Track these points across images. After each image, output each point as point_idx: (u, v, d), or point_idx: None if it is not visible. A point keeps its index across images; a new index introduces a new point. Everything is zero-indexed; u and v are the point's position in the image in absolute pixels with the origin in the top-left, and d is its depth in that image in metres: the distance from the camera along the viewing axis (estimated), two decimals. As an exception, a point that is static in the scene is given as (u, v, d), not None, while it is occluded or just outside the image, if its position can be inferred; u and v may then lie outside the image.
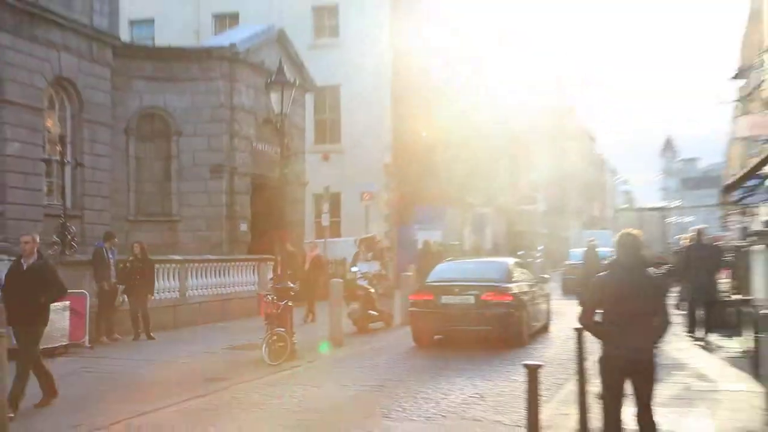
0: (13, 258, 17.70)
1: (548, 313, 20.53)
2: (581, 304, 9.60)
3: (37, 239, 10.74)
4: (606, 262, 11.71)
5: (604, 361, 7.61)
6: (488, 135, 46.33)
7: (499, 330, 16.68)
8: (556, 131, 73.26)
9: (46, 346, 14.42)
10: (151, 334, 18.48)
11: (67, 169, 21.91)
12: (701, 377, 12.92)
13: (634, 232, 7.93)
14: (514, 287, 17.47)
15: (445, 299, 17.15)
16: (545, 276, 25.82)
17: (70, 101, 22.80)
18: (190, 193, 26.72)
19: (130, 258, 18.62)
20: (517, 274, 18.76)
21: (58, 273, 10.97)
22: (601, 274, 8.03)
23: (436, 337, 17.67)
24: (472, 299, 16.92)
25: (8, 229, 19.75)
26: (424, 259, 29.39)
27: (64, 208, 21.33)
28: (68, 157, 22.02)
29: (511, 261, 20.75)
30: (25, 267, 10.22)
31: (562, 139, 77.37)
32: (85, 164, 22.67)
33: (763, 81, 35.72)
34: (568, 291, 31.34)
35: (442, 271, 19.42)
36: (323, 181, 33.59)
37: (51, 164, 21.92)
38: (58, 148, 21.72)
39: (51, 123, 22.05)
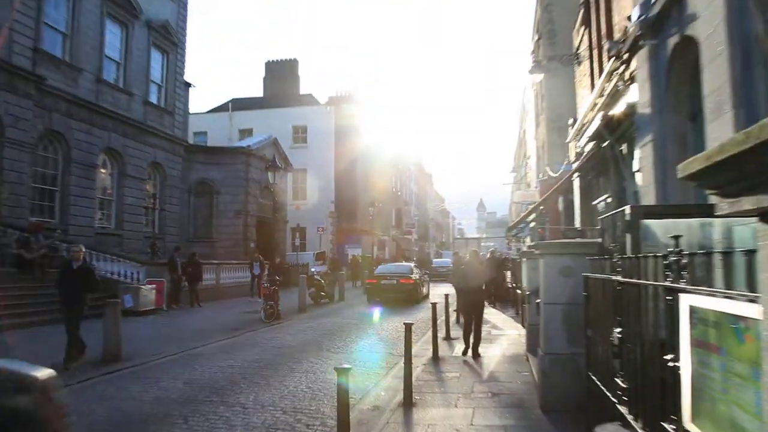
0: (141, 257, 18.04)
1: (428, 287, 23.92)
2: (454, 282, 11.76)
3: (83, 249, 9.45)
4: (461, 260, 14.05)
5: (462, 303, 10.13)
6: (386, 198, 47.55)
7: (406, 296, 19.86)
8: (422, 194, 74.87)
9: (142, 308, 15.11)
10: (200, 304, 18.29)
11: (156, 212, 22.89)
12: (495, 327, 13.19)
13: (475, 249, 11.01)
14: (413, 276, 20.81)
15: (383, 281, 20.30)
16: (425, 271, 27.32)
17: (159, 175, 23.00)
18: (222, 226, 26.68)
19: (188, 260, 18.51)
20: (414, 269, 22.17)
21: (95, 273, 9.58)
22: (461, 267, 10.90)
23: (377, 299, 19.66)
24: (395, 281, 20.16)
25: (124, 244, 19.95)
26: (353, 264, 31.11)
27: (154, 233, 22.22)
28: (157, 206, 23.04)
29: (411, 264, 24.68)
30: (74, 267, 8.90)
31: (426, 200, 79.02)
32: (165, 209, 23.27)
33: (525, 174, 38.42)
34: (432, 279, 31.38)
35: (381, 268, 22.69)
36: (296, 220, 34.83)
37: (148, 210, 22.13)
38: (152, 200, 22.71)
39: (149, 187, 22.33)
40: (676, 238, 2.22)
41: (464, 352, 9.50)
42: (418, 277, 21.37)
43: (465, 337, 9.61)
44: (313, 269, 25.77)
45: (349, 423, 4.08)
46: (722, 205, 1.04)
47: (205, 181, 27.15)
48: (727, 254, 1.96)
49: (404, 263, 26.53)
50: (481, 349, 9.52)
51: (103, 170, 20.04)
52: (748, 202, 0.92)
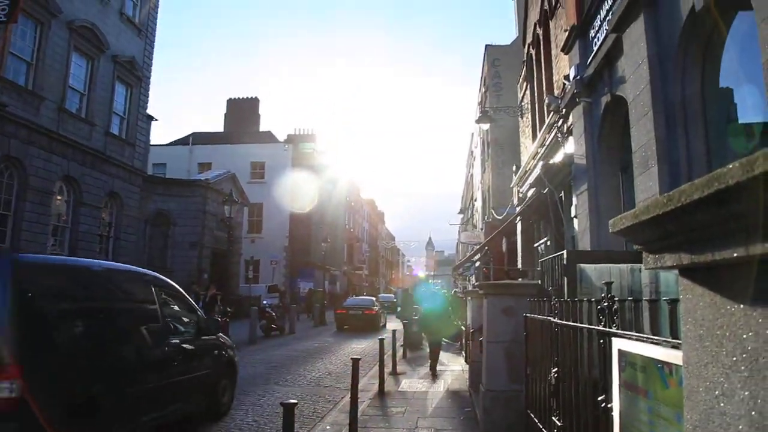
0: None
1: (385, 318, 26.52)
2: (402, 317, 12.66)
3: None
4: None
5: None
6: (339, 234, 47.48)
7: (369, 324, 22.83)
8: (374, 231, 75.18)
9: None
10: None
11: (111, 241, 22.08)
12: (440, 363, 12.59)
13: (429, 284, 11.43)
14: (375, 308, 24.16)
15: (351, 311, 23.36)
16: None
17: (116, 204, 22.03)
18: (177, 257, 26.04)
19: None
20: (375, 303, 25.80)
21: None
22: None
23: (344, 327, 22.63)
24: (361, 312, 23.34)
25: None
26: (310, 297, 30.65)
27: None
28: (112, 234, 22.25)
29: (373, 299, 28.01)
30: None
31: (377, 237, 79.32)
32: (120, 238, 22.56)
33: (471, 216, 39.09)
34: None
35: (349, 301, 26.10)
36: (250, 253, 34.16)
37: (103, 238, 21.47)
38: (107, 229, 21.91)
39: (105, 215, 21.68)
40: (608, 284, 2.28)
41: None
42: (378, 308, 24.71)
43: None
44: (264, 301, 25.30)
45: (294, 459, 3.92)
46: (648, 259, 1.07)
47: (162, 212, 26.47)
48: (653, 302, 2.02)
49: (367, 297, 29.02)
50: (425, 386, 9.62)
51: (59, 197, 19.26)
52: (670, 259, 0.95)
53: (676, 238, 0.88)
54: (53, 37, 18.12)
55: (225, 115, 43.92)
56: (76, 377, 4.50)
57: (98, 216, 21.01)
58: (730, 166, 0.64)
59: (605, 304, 2.25)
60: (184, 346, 6.34)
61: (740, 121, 5.73)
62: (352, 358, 6.71)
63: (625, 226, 0.98)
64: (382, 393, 8.85)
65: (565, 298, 3.58)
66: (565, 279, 4.34)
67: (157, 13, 24.41)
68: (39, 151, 17.67)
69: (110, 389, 4.88)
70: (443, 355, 14.66)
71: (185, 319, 6.88)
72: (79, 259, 6.44)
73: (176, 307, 6.75)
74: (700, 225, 0.77)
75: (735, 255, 0.71)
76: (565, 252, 4.37)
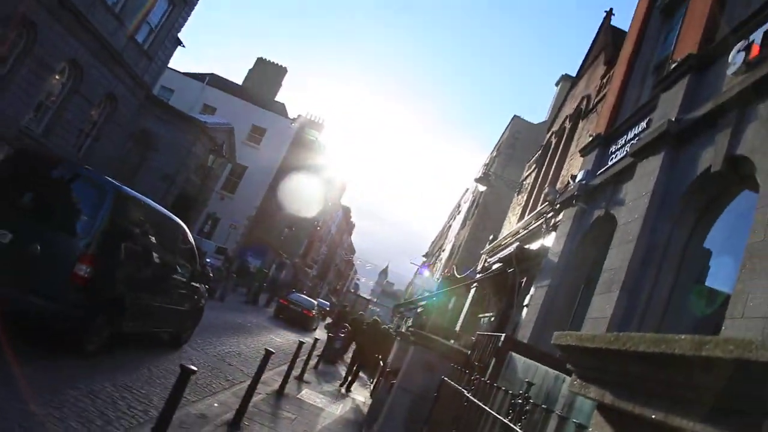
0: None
1: (318, 322, 28.50)
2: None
3: None
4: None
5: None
6: (304, 226, 47.07)
7: (304, 323, 24.30)
8: (338, 238, 74.73)
9: None
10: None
11: (89, 140, 21.52)
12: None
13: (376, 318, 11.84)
14: (314, 311, 25.80)
15: (292, 306, 24.95)
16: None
17: (110, 107, 21.33)
18: (145, 182, 24.73)
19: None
20: (316, 307, 27.37)
21: None
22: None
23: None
24: (300, 310, 24.86)
25: None
26: (256, 275, 30.29)
27: (77, 158, 20.71)
28: (93, 133, 21.70)
29: (315, 302, 28.88)
30: None
31: (339, 245, 78.75)
32: (100, 140, 21.87)
33: (434, 263, 39.23)
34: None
35: (294, 296, 26.79)
36: (215, 208, 33.72)
37: (82, 133, 20.42)
38: (91, 127, 21.35)
39: (94, 113, 20.90)
40: (530, 384, 2.31)
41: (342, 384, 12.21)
42: (315, 312, 26.04)
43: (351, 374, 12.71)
44: (208, 260, 24.89)
45: (170, 420, 3.82)
46: (575, 382, 1.09)
47: (149, 132, 25.95)
48: (564, 419, 2.05)
49: (310, 299, 29.37)
50: (323, 402, 9.60)
51: (57, 77, 18.75)
52: (594, 392, 0.97)
53: (608, 376, 0.90)
54: None
55: (249, 70, 43.67)
56: (122, 278, 6.68)
57: (87, 110, 20.52)
58: (683, 337, 0.67)
59: (520, 401, 2.28)
60: (180, 283, 8.47)
61: (707, 284, 5.92)
62: (265, 349, 6.63)
63: (567, 344, 1.01)
64: (281, 393, 8.73)
65: (487, 378, 3.61)
66: (494, 360, 4.37)
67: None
68: (57, 25, 17.23)
69: (138, 295, 7.09)
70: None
71: (187, 265, 8.73)
72: (151, 201, 7.97)
73: (188, 253, 8.75)
74: (635, 376, 0.80)
75: (653, 417, 0.74)
76: (503, 335, 4.41)
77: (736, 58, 5.48)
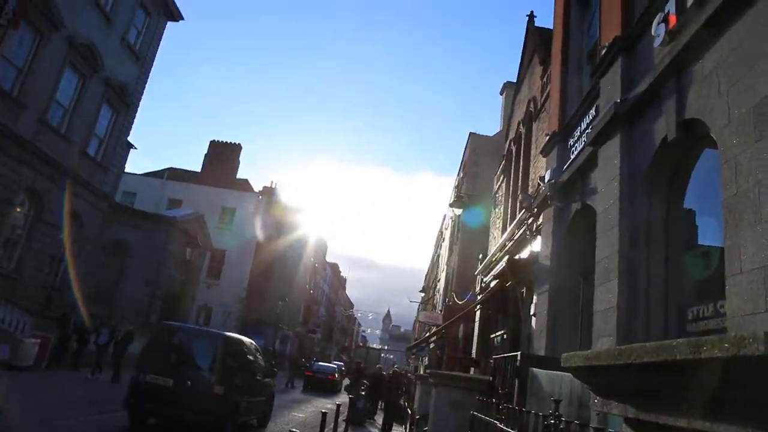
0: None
1: (341, 384, 30.23)
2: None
3: None
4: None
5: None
6: (297, 293, 46.64)
7: (331, 387, 27.51)
8: (333, 296, 74.04)
9: (19, 363, 13.66)
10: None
11: (62, 264, 21.15)
12: None
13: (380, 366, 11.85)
14: (336, 375, 29.14)
15: (318, 375, 27.84)
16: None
17: (76, 226, 20.97)
18: (128, 291, 25.06)
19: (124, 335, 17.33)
20: (338, 370, 30.44)
21: None
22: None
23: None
24: (325, 376, 27.70)
25: (19, 290, 17.56)
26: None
27: (54, 284, 20.31)
28: (65, 257, 21.34)
29: (335, 366, 32.17)
30: None
31: (336, 302, 77.98)
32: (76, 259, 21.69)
33: (433, 296, 39.00)
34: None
35: (317, 366, 29.67)
36: (204, 299, 33.23)
37: (54, 259, 20.18)
38: (61, 250, 20.99)
39: (62, 236, 21.06)
40: (557, 402, 2.27)
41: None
42: (338, 375, 29.22)
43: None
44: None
45: None
46: (595, 400, 1.07)
47: (121, 242, 25.73)
48: (600, 431, 2.01)
49: (331, 365, 33.08)
50: None
51: (18, 209, 18.55)
52: (617, 408, 0.95)
53: (623, 390, 0.89)
54: (50, 49, 18.05)
55: (205, 155, 43.90)
56: (236, 389, 9.86)
57: (55, 235, 20.22)
58: (680, 341, 0.67)
59: (552, 421, 2.23)
60: (261, 382, 11.77)
61: (699, 243, 5.93)
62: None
63: (576, 365, 1.00)
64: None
65: (515, 402, 3.54)
66: (517, 381, 4.31)
67: (158, 45, 24.62)
68: (8, 159, 17.16)
69: (244, 397, 10.36)
70: None
71: (262, 365, 12.27)
72: (237, 335, 12.00)
73: (261, 360, 12.30)
74: (648, 386, 0.79)
75: (678, 424, 0.73)
76: (519, 354, 4.36)
77: (658, 30, 5.70)
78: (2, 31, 14.51)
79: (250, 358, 11.39)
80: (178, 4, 24.60)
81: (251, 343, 12.11)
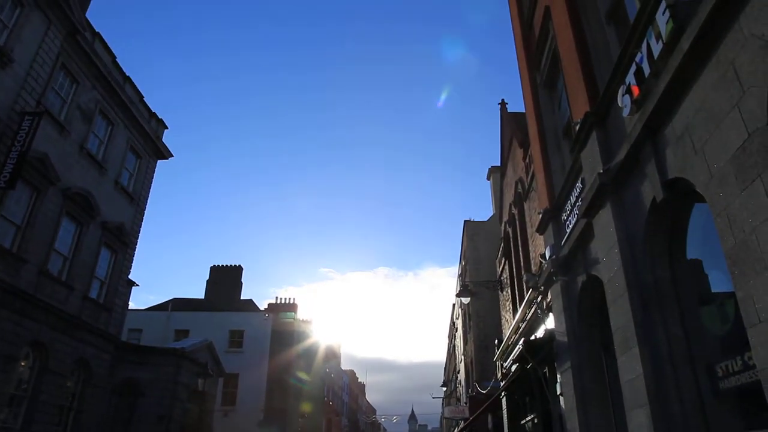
0: None
1: None
2: None
3: None
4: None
5: None
6: (316, 407, 44.89)
7: None
8: (354, 404, 71.07)
9: None
10: None
11: (73, 414, 20.35)
12: None
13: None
14: None
15: None
16: None
17: (84, 373, 20.38)
18: (143, 431, 24.54)
19: None
20: None
21: None
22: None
23: None
24: None
25: None
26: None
27: None
28: (74, 406, 20.56)
29: None
30: None
31: (357, 410, 74.75)
32: (83, 411, 20.51)
33: (455, 389, 37.51)
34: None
35: None
36: (222, 428, 31.68)
37: (64, 409, 19.23)
38: (70, 399, 20.28)
39: (70, 384, 20.08)
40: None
41: None
42: None
43: None
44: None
45: None
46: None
47: (131, 381, 24.87)
48: None
49: None
50: None
51: (23, 363, 18.13)
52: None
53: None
54: (47, 203, 18.50)
55: (207, 281, 43.95)
56: None
57: (63, 384, 19.68)
58: None
59: None
60: None
61: (713, 290, 5.74)
62: None
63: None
64: None
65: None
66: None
67: (151, 183, 25.46)
68: (11, 314, 17.02)
69: None
70: None
71: None
72: None
73: None
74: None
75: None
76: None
77: (624, 101, 6.00)
78: (0, 192, 15.01)
79: None
80: (167, 143, 25.74)
81: None
